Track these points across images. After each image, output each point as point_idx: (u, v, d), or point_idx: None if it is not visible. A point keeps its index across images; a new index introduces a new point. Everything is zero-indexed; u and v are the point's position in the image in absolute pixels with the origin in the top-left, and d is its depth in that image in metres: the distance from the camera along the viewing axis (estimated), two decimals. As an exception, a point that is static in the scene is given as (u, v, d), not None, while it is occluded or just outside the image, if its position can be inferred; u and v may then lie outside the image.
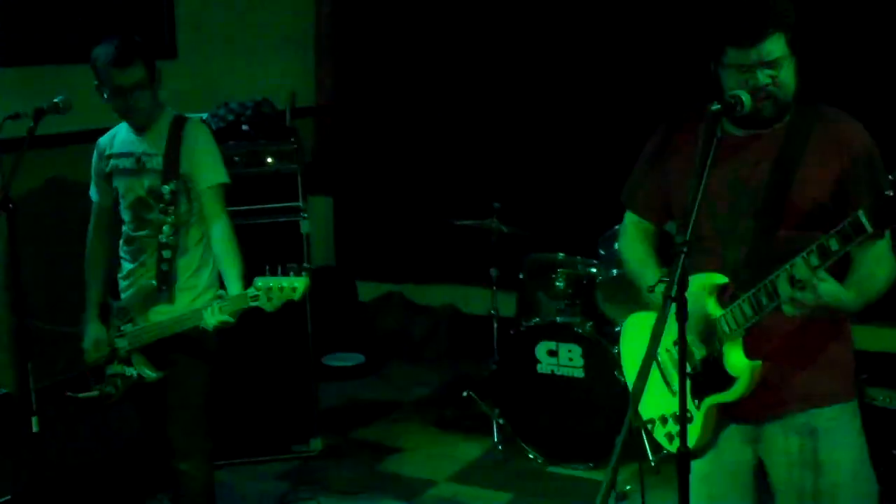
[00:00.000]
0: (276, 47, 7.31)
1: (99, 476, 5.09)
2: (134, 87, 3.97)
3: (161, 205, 4.06)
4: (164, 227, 4.06)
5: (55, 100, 3.95)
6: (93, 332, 4.21)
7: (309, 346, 5.64)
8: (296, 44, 7.58)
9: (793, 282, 2.64)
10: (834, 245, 2.56)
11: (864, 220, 2.47)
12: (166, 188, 4.03)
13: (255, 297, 3.77)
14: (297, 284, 3.74)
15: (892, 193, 2.39)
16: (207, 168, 4.10)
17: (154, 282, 4.08)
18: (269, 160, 5.56)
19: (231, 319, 3.86)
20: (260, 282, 3.77)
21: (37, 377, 3.82)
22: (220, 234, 4.09)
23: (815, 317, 2.78)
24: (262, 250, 5.42)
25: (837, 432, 2.96)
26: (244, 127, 5.63)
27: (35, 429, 3.80)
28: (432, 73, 7.32)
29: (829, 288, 2.66)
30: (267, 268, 3.80)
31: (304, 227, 5.53)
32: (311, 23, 7.71)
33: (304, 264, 3.82)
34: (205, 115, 5.60)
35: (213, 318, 3.86)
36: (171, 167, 4.05)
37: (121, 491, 5.04)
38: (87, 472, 5.07)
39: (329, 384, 6.46)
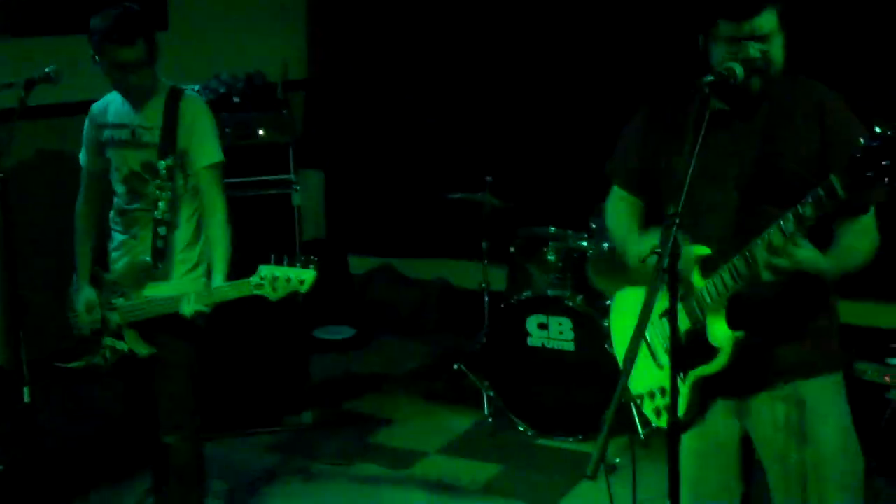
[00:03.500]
0: (267, 19, 7.28)
1: (90, 447, 5.11)
2: (135, 64, 3.91)
3: (157, 180, 4.03)
4: (160, 203, 4.03)
5: (46, 70, 3.90)
6: (85, 295, 4.20)
7: (300, 319, 5.65)
8: (287, 16, 7.55)
9: (770, 248, 2.66)
10: (808, 211, 2.59)
11: (836, 184, 2.50)
12: (163, 163, 4.00)
13: (260, 286, 3.77)
14: (305, 277, 3.74)
15: (860, 156, 2.41)
16: (206, 146, 4.07)
17: (148, 258, 4.06)
18: (261, 132, 5.55)
19: (206, 310, 3.88)
20: (265, 271, 3.76)
21: (29, 349, 3.82)
22: (216, 217, 4.08)
23: (792, 283, 2.80)
24: (253, 222, 5.46)
25: (823, 404, 2.98)
26: (236, 99, 5.62)
27: (27, 399, 3.81)
28: (424, 46, 7.29)
29: (805, 254, 2.69)
30: (273, 256, 3.79)
31: (296, 199, 5.53)
32: (302, -5, 7.69)
33: (312, 257, 3.80)
34: (196, 87, 5.57)
35: (189, 307, 3.88)
36: (169, 142, 4.01)
37: (112, 462, 5.05)
38: (80, 444, 5.09)
39: (320, 357, 6.46)
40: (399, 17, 7.38)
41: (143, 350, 4.10)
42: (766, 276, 2.70)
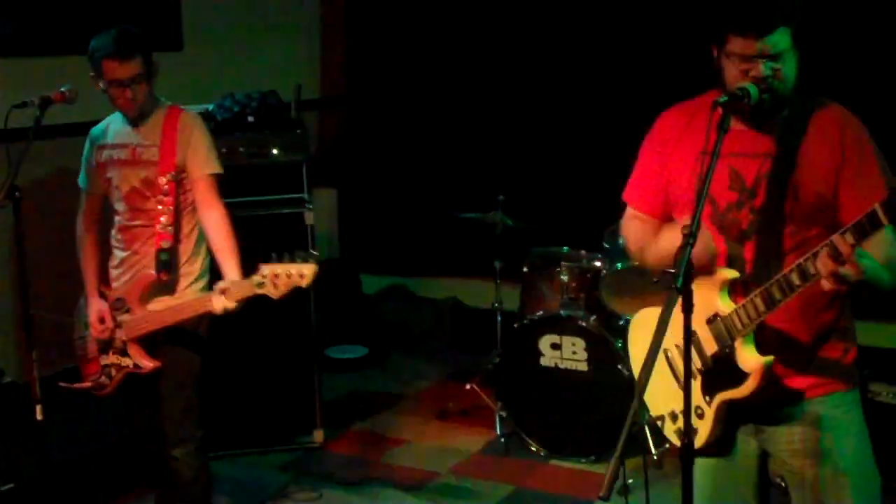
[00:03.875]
0: (281, 39, 7.32)
1: (100, 465, 5.10)
2: (132, 79, 4.01)
3: (158, 196, 4.10)
4: (161, 218, 4.09)
5: (62, 89, 3.97)
6: (95, 306, 4.24)
7: (313, 338, 5.65)
8: (301, 35, 7.59)
9: (836, 257, 2.63)
10: (849, 238, 2.57)
11: (879, 213, 2.49)
12: (163, 179, 4.08)
13: (262, 285, 3.79)
14: (305, 271, 3.74)
15: None
16: (201, 159, 4.15)
17: (153, 271, 4.11)
18: (275, 151, 5.56)
19: (236, 306, 3.89)
20: (266, 269, 3.78)
21: (41, 366, 3.83)
22: (216, 222, 4.13)
23: (811, 306, 2.80)
24: (266, 241, 5.41)
25: (840, 420, 2.96)
26: (250, 118, 5.63)
27: (39, 417, 3.82)
28: (438, 66, 7.31)
29: (869, 263, 2.66)
30: (273, 255, 3.80)
31: (309, 218, 5.54)
32: (317, 14, 7.71)
33: (312, 251, 3.81)
34: (211, 107, 5.61)
35: (220, 304, 3.89)
36: (167, 158, 4.09)
37: (121, 479, 5.05)
38: (90, 461, 5.08)
39: (332, 376, 6.47)
40: (412, 37, 7.41)
41: (147, 364, 4.13)
42: (826, 285, 2.67)
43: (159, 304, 4.13)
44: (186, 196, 4.16)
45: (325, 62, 7.75)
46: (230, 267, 4.04)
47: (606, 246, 5.55)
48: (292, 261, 3.77)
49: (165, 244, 4.09)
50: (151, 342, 4.14)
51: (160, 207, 4.09)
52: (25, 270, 3.85)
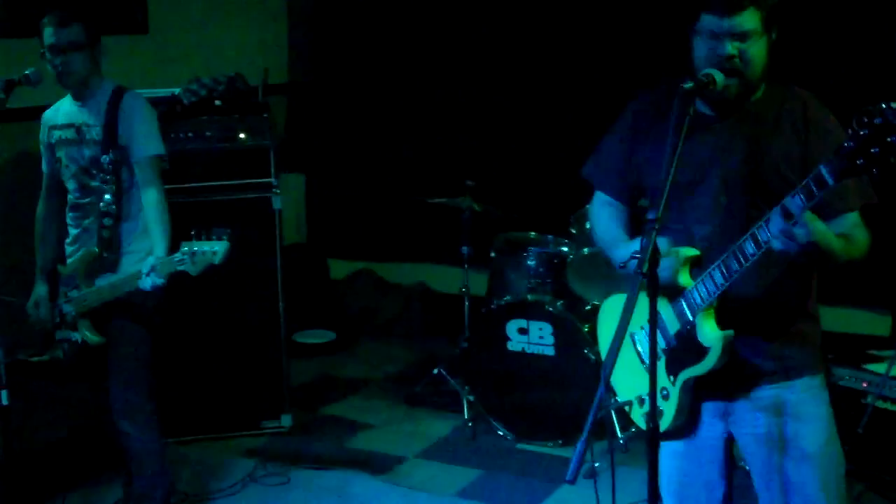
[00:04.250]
0: (248, 23, 7.28)
1: (67, 447, 5.08)
2: (69, 46, 4.10)
3: (101, 174, 4.18)
4: (105, 196, 4.18)
5: (26, 71, 3.98)
6: (35, 292, 4.36)
7: (280, 323, 5.64)
8: (269, 19, 7.55)
9: (786, 215, 2.65)
10: (798, 201, 2.61)
11: (824, 172, 2.52)
12: (105, 158, 4.16)
13: (182, 262, 3.88)
14: (217, 248, 3.85)
15: (848, 144, 2.43)
16: (142, 139, 4.23)
17: (96, 248, 4.20)
18: (242, 136, 5.54)
19: (163, 281, 3.96)
20: (185, 246, 3.88)
21: (7, 351, 3.81)
22: (152, 201, 4.21)
23: (777, 283, 2.86)
24: (233, 226, 5.40)
25: (806, 405, 3.00)
26: (217, 102, 5.62)
27: (5, 402, 3.80)
28: (405, 51, 7.29)
29: (820, 227, 2.69)
30: (192, 232, 3.89)
31: (276, 203, 5.52)
32: (283, -1, 7.69)
33: (227, 229, 3.87)
34: (177, 90, 5.58)
35: (146, 280, 3.96)
36: (110, 137, 4.18)
37: (90, 462, 5.03)
38: (57, 444, 5.06)
39: (300, 361, 6.46)
40: (381, 22, 7.38)
41: (93, 338, 4.20)
42: (776, 244, 2.68)
43: (103, 280, 4.20)
44: (133, 174, 4.24)
45: (293, 46, 7.72)
46: (158, 246, 4.14)
47: (573, 231, 5.57)
48: (209, 238, 3.86)
49: (107, 221, 4.18)
50: (103, 318, 4.21)
51: (103, 185, 4.18)
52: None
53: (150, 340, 4.32)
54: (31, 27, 4.13)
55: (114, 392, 4.28)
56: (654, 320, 2.58)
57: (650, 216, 2.57)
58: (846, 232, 2.86)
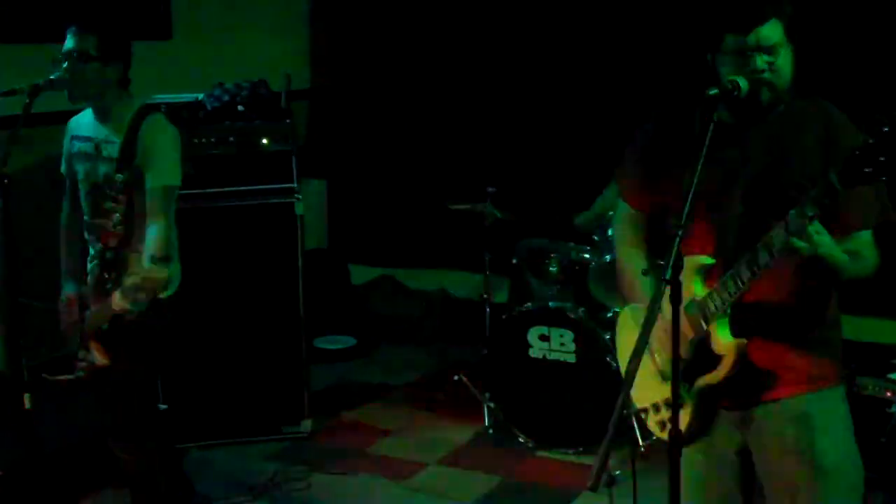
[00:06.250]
0: (271, 29, 7.31)
1: (90, 452, 5.09)
2: (78, 56, 3.91)
3: (113, 192, 3.97)
4: (114, 216, 3.96)
5: (52, 76, 3.92)
6: (64, 292, 4.20)
7: (301, 328, 5.65)
8: (291, 25, 7.58)
9: (788, 231, 2.64)
10: (809, 210, 2.60)
11: (833, 179, 2.50)
12: (119, 177, 3.94)
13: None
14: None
15: (858, 153, 2.42)
16: (158, 167, 3.96)
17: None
18: (265, 141, 5.56)
19: (132, 308, 3.61)
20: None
21: (29, 354, 3.82)
22: (152, 235, 3.91)
23: (798, 292, 2.85)
24: (255, 231, 5.47)
25: (826, 416, 2.97)
26: (240, 108, 5.63)
27: (27, 405, 3.80)
28: (427, 57, 7.31)
29: (825, 239, 2.68)
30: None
31: (299, 208, 5.53)
32: (307, 4, 7.70)
33: None
34: (200, 96, 5.60)
35: (117, 305, 3.66)
36: (127, 157, 3.95)
37: (111, 467, 5.03)
38: (80, 449, 5.07)
39: (320, 366, 6.46)
40: (402, 28, 7.40)
41: (100, 360, 3.99)
42: (786, 254, 2.67)
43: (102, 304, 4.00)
44: (144, 199, 3.98)
45: (315, 52, 7.74)
46: (128, 277, 3.71)
47: (595, 238, 5.56)
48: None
49: (112, 242, 3.97)
50: (111, 339, 4.00)
51: (114, 205, 3.96)
52: (13, 258, 3.83)
53: (154, 364, 4.18)
54: (33, 32, 4.01)
55: (110, 420, 4.19)
56: (676, 328, 2.57)
57: (673, 224, 2.56)
58: (856, 249, 2.84)
